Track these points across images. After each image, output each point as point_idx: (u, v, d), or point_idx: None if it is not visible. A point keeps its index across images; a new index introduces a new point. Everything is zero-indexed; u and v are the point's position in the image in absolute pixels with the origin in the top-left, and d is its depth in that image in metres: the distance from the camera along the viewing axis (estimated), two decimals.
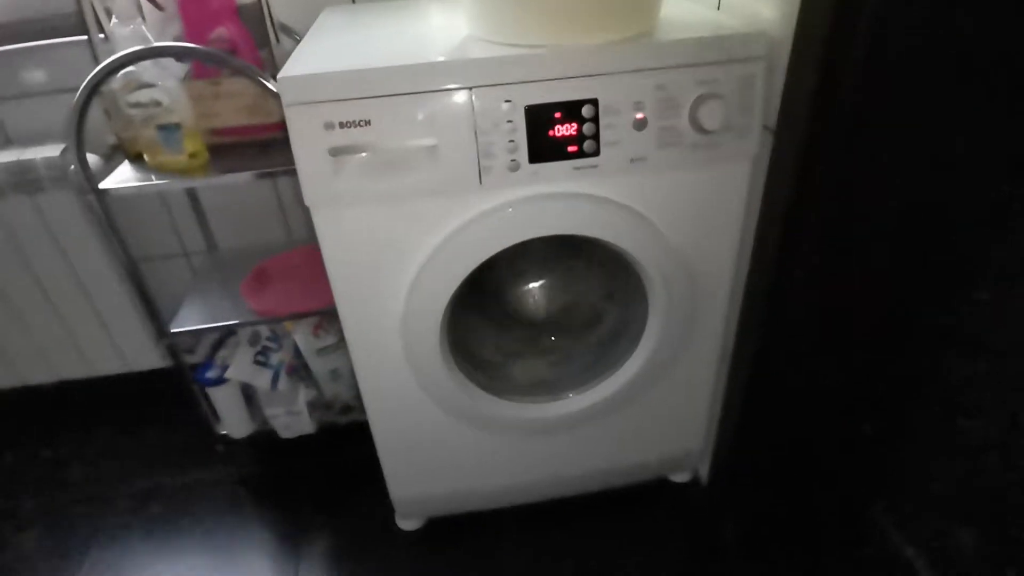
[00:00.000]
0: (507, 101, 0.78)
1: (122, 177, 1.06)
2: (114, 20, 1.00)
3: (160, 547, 1.25)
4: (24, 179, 1.21)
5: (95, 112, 1.02)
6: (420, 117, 0.77)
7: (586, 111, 0.80)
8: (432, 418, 1.04)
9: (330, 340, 1.30)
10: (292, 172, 0.81)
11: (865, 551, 1.17)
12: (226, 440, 1.33)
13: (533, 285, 1.17)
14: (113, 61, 0.95)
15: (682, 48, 0.80)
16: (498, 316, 1.16)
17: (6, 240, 1.27)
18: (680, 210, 0.91)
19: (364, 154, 0.78)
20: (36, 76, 1.25)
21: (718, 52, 0.80)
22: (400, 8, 1.10)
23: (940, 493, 1.10)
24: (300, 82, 0.75)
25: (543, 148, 0.81)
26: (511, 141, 0.80)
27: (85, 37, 1.18)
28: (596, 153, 0.82)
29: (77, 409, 1.54)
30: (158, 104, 1.01)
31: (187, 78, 1.06)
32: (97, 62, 0.98)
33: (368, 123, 0.77)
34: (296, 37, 1.21)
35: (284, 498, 1.34)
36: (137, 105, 1.02)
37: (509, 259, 1.12)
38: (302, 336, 1.29)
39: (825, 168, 0.84)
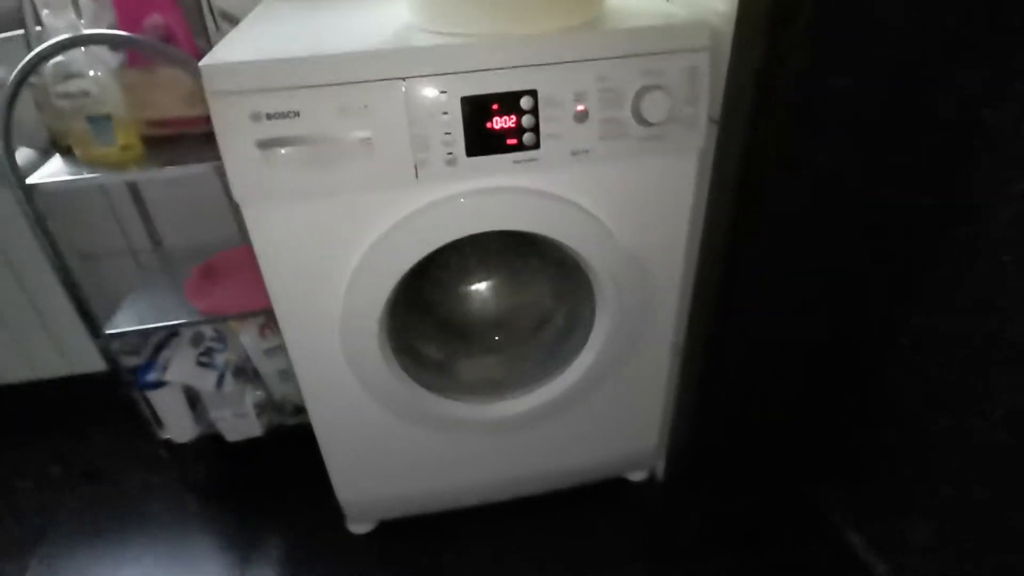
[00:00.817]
0: (442, 92, 0.76)
1: (52, 171, 1.01)
2: (45, 11, 0.95)
3: (106, 553, 1.22)
4: None
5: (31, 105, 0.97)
6: (351, 108, 0.74)
7: (525, 103, 0.77)
8: (377, 419, 1.01)
9: (278, 340, 1.26)
10: None
11: (819, 546, 1.17)
12: (169, 445, 1.29)
13: (480, 285, 1.14)
14: (41, 51, 0.91)
15: (623, 38, 0.78)
16: (445, 316, 1.13)
17: None
18: (626, 204, 0.89)
19: (294, 147, 0.75)
20: None
21: (661, 42, 0.78)
22: None
23: (894, 488, 1.10)
24: (224, 70, 0.71)
25: (481, 141, 0.78)
26: (447, 134, 0.77)
27: (23, 31, 1.12)
28: (536, 146, 0.80)
29: (21, 413, 1.49)
30: (87, 95, 0.97)
31: (122, 67, 1.01)
32: None
33: (297, 114, 0.74)
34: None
35: (232, 503, 1.31)
36: (66, 96, 0.97)
37: (456, 257, 1.11)
38: (248, 336, 1.25)
39: (773, 152, 0.82)
